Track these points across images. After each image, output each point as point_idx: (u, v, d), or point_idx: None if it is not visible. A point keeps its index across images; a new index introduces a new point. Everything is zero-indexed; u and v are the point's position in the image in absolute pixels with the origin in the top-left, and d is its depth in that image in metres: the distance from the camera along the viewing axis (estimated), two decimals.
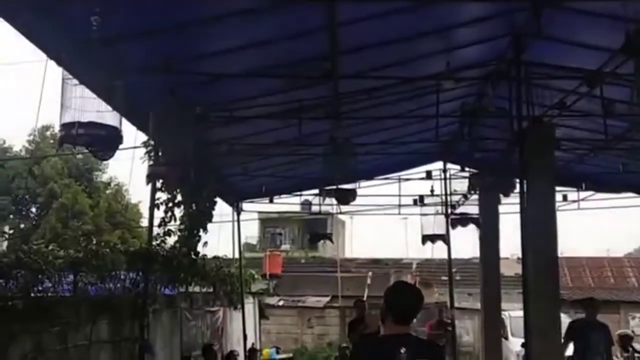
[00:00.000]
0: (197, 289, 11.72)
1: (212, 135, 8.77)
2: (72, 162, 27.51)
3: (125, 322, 8.33)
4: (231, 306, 13.88)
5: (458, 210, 12.92)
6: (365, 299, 24.00)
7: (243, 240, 18.81)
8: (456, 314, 15.05)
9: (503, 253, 23.41)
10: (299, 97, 8.78)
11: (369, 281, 24.34)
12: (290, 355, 16.21)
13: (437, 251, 30.29)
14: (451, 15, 7.64)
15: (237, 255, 14.41)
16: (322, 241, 44.57)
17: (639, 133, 9.76)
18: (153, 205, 8.85)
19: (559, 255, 8.28)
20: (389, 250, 29.60)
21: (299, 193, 13.82)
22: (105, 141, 5.07)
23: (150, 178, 7.15)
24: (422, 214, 13.12)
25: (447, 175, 13.28)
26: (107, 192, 28.42)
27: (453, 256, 30.35)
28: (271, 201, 13.70)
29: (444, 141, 10.77)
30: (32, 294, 6.43)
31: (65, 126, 4.94)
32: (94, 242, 8.61)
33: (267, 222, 39.34)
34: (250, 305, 16.21)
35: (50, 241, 8.85)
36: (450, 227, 12.54)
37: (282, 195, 13.97)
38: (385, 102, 9.77)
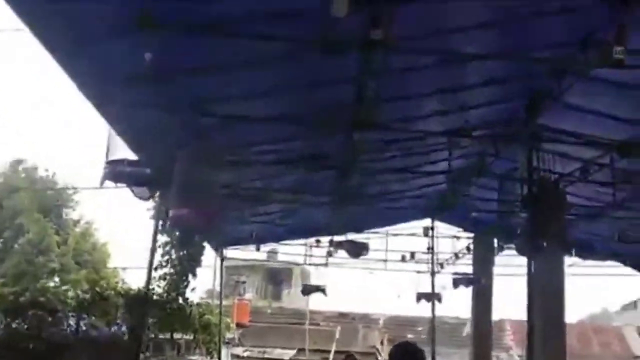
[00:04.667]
0: (178, 335, 11.31)
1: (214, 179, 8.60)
2: (42, 197, 26.70)
3: None
4: (208, 355, 13.42)
5: (446, 269, 12.87)
6: (332, 353, 23.67)
7: (205, 288, 18.45)
8: None
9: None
10: (309, 146, 8.75)
11: (337, 335, 23.93)
12: None
13: (405, 308, 30.24)
14: (472, 74, 7.70)
15: (216, 302, 14.02)
16: (287, 291, 43.85)
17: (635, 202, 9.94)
18: (154, 248, 8.55)
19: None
20: (354, 304, 29.26)
21: (287, 242, 13.57)
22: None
23: (174, 221, 6.90)
24: (417, 271, 13.02)
25: (435, 233, 13.25)
26: (76, 229, 27.57)
27: (422, 314, 30.23)
28: (258, 249, 13.42)
29: (444, 199, 10.77)
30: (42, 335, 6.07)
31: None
32: (100, 283, 8.24)
33: (230, 269, 38.68)
34: (223, 356, 15.70)
35: (15, 278, 8.45)
36: (452, 286, 12.45)
37: (269, 243, 13.69)
38: (392, 156, 9.82)
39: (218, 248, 13.48)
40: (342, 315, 27.65)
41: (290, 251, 15.94)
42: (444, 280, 13.28)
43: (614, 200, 8.69)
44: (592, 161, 7.93)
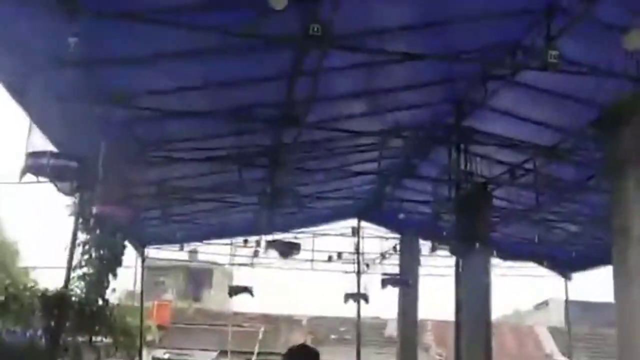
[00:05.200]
0: (98, 339, 10.87)
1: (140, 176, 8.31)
2: None
3: None
4: (129, 358, 12.99)
5: (372, 270, 12.96)
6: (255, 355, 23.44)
7: (124, 288, 17.95)
8: None
9: (394, 314, 23.81)
10: (239, 144, 8.59)
11: (260, 336, 23.70)
12: None
13: (329, 309, 30.30)
14: (401, 76, 7.74)
15: (136, 304, 13.63)
16: (207, 292, 43.13)
17: (555, 206, 10.29)
18: (74, 246, 8.17)
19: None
20: (277, 305, 29.08)
21: (212, 242, 13.31)
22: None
23: (97, 217, 6.59)
24: (345, 272, 13.03)
25: (362, 234, 13.32)
26: None
27: (344, 314, 30.35)
28: (182, 248, 13.11)
29: (372, 199, 10.83)
30: None
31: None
32: (8, 283, 7.75)
33: (150, 270, 37.74)
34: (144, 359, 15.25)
35: None
36: (380, 286, 12.50)
37: (194, 243, 13.38)
38: (320, 156, 9.78)
39: (139, 247, 13.08)
40: (266, 316, 27.36)
41: (212, 251, 15.69)
42: (369, 280, 13.37)
43: (537, 203, 8.93)
44: (518, 165, 8.12)
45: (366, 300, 12.94)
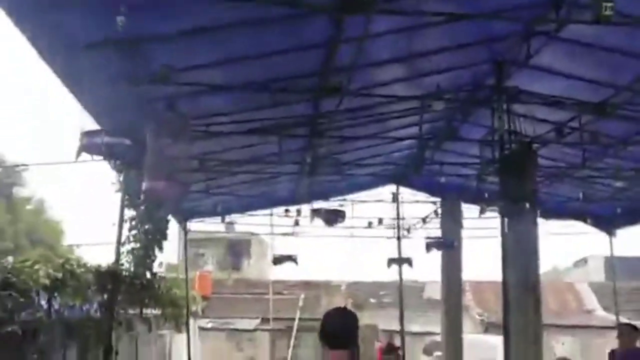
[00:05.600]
0: (148, 310, 11.11)
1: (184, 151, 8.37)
2: None
3: (91, 348, 7.71)
4: (177, 329, 13.27)
5: (412, 234, 12.96)
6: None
7: (165, 262, 18.20)
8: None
9: (432, 277, 23.87)
10: (278, 115, 8.59)
11: (301, 303, 23.99)
12: None
13: (367, 274, 30.49)
14: (441, 38, 7.61)
15: (181, 276, 13.87)
16: (246, 262, 43.71)
17: (599, 162, 10.10)
18: (122, 222, 8.30)
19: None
20: (316, 272, 29.25)
21: (252, 213, 13.40)
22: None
23: (148, 194, 6.67)
24: (386, 237, 13.06)
25: (401, 199, 13.28)
26: (27, 207, 26.82)
27: (382, 279, 30.51)
28: (223, 220, 13.23)
29: (411, 164, 10.76)
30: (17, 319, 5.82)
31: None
32: (70, 261, 7.93)
33: (189, 242, 38.35)
34: (191, 328, 15.57)
35: None
36: (425, 250, 12.50)
37: (234, 215, 13.49)
38: (359, 124, 9.72)
39: (182, 221, 13.26)
40: (305, 283, 27.64)
41: (249, 222, 15.79)
42: (410, 245, 13.39)
43: (582, 160, 8.78)
44: (563, 123, 7.97)
45: (410, 264, 12.97)
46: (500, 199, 7.59)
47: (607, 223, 13.00)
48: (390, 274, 30.50)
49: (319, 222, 13.66)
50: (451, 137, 9.17)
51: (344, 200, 13.30)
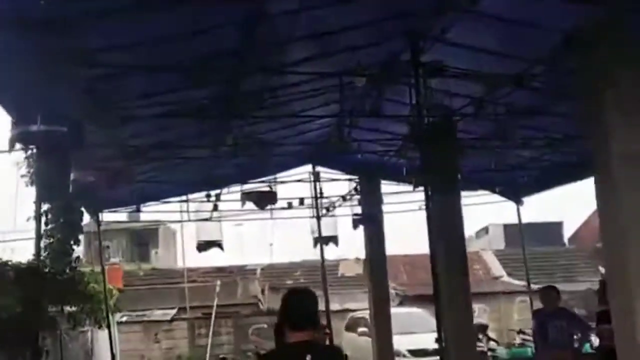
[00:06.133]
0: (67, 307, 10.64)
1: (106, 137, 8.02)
2: None
3: (17, 350, 7.30)
4: (96, 325, 12.80)
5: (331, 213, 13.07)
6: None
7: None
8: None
9: (341, 255, 24.20)
10: (194, 96, 8.40)
11: (217, 289, 23.75)
12: None
13: (277, 256, 30.55)
14: (354, 14, 7.65)
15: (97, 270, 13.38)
16: (154, 252, 42.69)
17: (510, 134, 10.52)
18: (39, 215, 7.89)
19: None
20: (228, 258, 28.97)
21: (168, 200, 13.06)
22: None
23: (75, 184, 6.35)
24: (311, 217, 13.08)
25: (320, 178, 13.35)
26: None
27: (298, 258, 30.57)
28: (138, 210, 12.83)
29: (328, 143, 10.82)
30: None
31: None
32: None
33: (92, 235, 37.04)
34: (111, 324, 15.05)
35: None
36: (352, 227, 12.60)
37: (150, 203, 13.09)
38: (275, 104, 9.64)
39: (95, 212, 12.76)
40: (219, 269, 27.40)
41: (157, 210, 15.33)
42: (329, 223, 13.50)
43: (497, 132, 9.13)
44: (481, 97, 8.22)
45: (336, 242, 13.09)
46: (424, 172, 7.75)
47: (515, 192, 13.61)
48: (301, 255, 30.71)
49: (236, 205, 13.61)
50: (367, 114, 9.25)
51: (262, 182, 13.19)
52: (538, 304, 15.63)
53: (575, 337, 8.72)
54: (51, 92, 5.78)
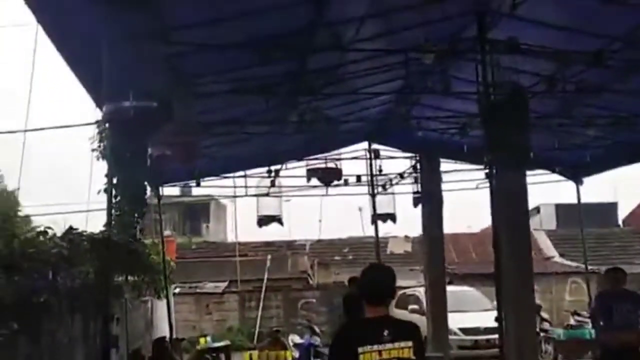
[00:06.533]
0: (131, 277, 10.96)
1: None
2: None
3: (92, 317, 7.61)
4: (156, 295, 13.17)
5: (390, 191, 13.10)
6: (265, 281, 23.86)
7: None
8: None
9: (392, 232, 24.11)
10: (262, 74, 8.47)
11: (268, 264, 24.08)
12: (228, 342, 15.67)
13: (325, 232, 30.69)
14: None
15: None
16: (205, 225, 42.99)
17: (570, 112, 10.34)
18: (111, 187, 8.11)
19: None
20: (279, 233, 29.30)
21: (230, 175, 13.25)
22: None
23: (159, 160, 6.52)
24: (370, 194, 13.14)
25: (374, 155, 13.34)
26: None
27: (345, 235, 30.66)
28: (198, 184, 13.07)
29: (391, 120, 10.82)
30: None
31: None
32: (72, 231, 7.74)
33: (149, 207, 37.86)
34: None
35: None
36: (412, 205, 12.63)
37: (209, 178, 13.32)
38: (338, 80, 9.66)
39: (155, 186, 13.05)
40: (269, 244, 27.76)
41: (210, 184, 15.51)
42: (389, 200, 13.51)
43: (563, 110, 8.99)
44: (552, 75, 8.08)
45: (394, 219, 13.13)
46: (493, 149, 7.69)
47: (576, 171, 13.38)
48: (352, 231, 30.71)
49: (292, 181, 13.76)
50: (438, 91, 9.21)
51: (316, 159, 13.25)
52: (593, 286, 15.55)
53: None
54: (133, 69, 5.93)
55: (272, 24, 7.26)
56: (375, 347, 3.75)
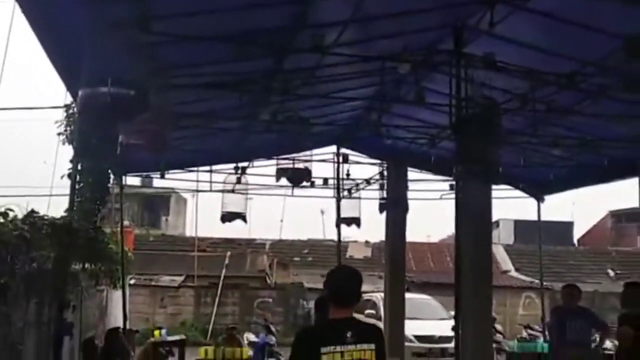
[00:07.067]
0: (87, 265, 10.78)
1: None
2: None
3: (48, 302, 7.47)
4: (112, 285, 12.98)
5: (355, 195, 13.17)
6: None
7: None
8: None
9: (352, 237, 24.22)
10: (238, 69, 8.44)
11: (227, 261, 23.99)
12: (183, 336, 15.52)
13: (286, 232, 30.68)
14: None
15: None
16: (164, 218, 42.58)
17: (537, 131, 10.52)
18: (75, 174, 8.02)
19: None
20: (239, 230, 29.22)
21: (193, 169, 13.14)
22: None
23: (127, 148, 6.43)
24: (335, 197, 13.18)
25: (343, 159, 13.40)
26: None
27: (305, 237, 30.62)
28: (162, 176, 12.93)
29: (360, 126, 10.88)
30: None
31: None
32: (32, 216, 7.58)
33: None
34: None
35: None
36: (379, 211, 12.69)
37: (174, 170, 13.19)
38: (312, 83, 9.66)
39: (119, 175, 12.87)
40: (229, 241, 27.63)
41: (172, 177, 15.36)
42: (350, 205, 13.57)
43: (530, 128, 9.16)
44: (524, 93, 8.22)
45: (358, 224, 13.19)
46: (462, 162, 7.79)
47: (538, 189, 13.64)
48: (311, 233, 30.69)
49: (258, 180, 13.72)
50: (403, 100, 9.29)
51: (286, 159, 13.23)
52: (547, 301, 15.88)
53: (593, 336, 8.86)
54: (110, 55, 5.84)
55: (255, 20, 7.23)
56: (338, 348, 3.82)
